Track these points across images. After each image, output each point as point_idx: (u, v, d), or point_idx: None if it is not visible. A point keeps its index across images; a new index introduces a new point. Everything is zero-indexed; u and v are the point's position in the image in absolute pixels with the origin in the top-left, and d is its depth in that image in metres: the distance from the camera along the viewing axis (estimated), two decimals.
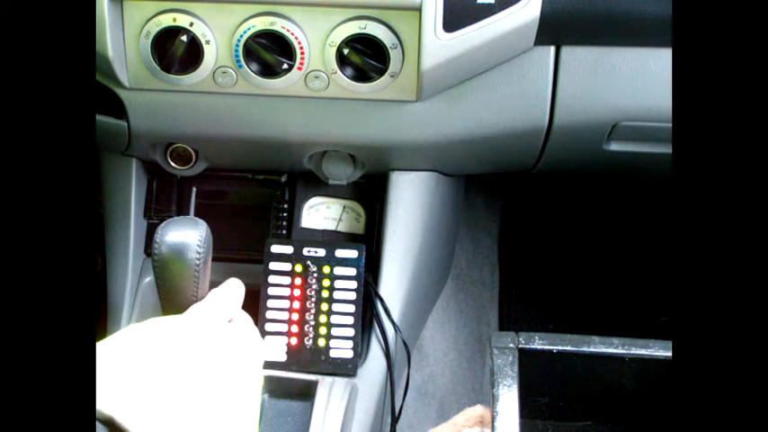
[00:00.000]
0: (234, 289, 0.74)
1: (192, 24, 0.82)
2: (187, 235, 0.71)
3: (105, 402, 0.54)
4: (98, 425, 0.54)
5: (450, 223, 1.23)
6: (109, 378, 0.56)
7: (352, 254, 0.96)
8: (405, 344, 1.00)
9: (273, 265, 0.96)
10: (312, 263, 0.96)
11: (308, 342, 0.95)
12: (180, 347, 0.62)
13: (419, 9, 0.78)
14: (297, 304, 0.95)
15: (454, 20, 0.78)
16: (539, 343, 0.89)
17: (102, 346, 0.59)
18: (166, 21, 0.82)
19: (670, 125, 0.87)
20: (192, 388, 0.59)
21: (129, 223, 1.03)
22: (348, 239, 1.05)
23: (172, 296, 0.71)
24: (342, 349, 0.95)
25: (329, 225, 1.06)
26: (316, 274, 0.96)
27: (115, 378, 0.57)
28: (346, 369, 0.94)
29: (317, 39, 0.82)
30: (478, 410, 1.04)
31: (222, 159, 1.00)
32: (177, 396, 0.58)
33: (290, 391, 0.91)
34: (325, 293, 0.95)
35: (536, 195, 1.47)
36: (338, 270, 0.96)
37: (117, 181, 1.02)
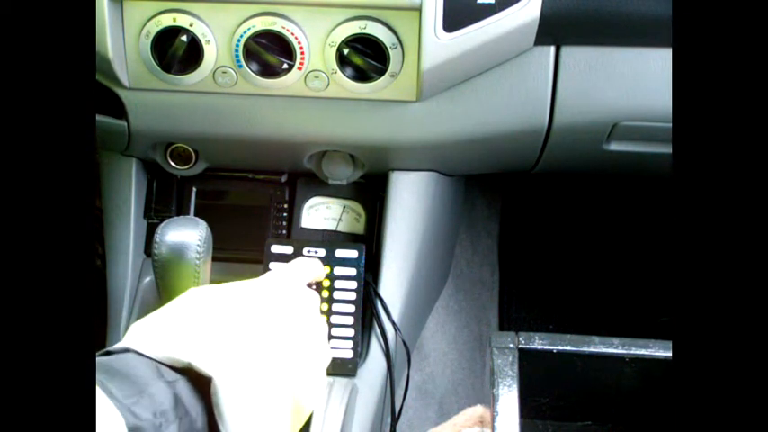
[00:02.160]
0: (315, 264, 0.80)
1: (192, 24, 0.82)
2: (187, 235, 0.71)
3: (183, 349, 0.56)
4: (176, 375, 0.56)
5: (450, 223, 1.23)
6: (186, 326, 0.58)
7: (352, 254, 0.96)
8: (405, 344, 1.00)
9: (273, 266, 0.96)
10: None
11: None
12: (257, 300, 0.65)
13: (419, 9, 0.78)
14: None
15: (454, 20, 0.78)
16: (539, 343, 0.89)
17: (160, 311, 0.61)
18: (166, 21, 0.82)
19: (670, 125, 0.87)
20: (267, 338, 0.61)
21: (129, 223, 1.02)
22: (348, 239, 1.05)
23: (172, 296, 0.71)
24: (342, 349, 0.95)
25: (329, 225, 1.06)
26: None
27: (192, 326, 0.59)
28: (346, 369, 0.94)
29: (317, 39, 0.82)
30: (478, 410, 1.04)
31: (222, 159, 1.00)
32: (252, 344, 0.60)
33: None
34: (324, 293, 0.95)
35: (536, 195, 1.47)
36: (338, 270, 0.96)
37: (117, 181, 1.02)
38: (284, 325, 0.64)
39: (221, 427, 0.56)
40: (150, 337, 0.58)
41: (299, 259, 0.80)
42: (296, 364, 0.63)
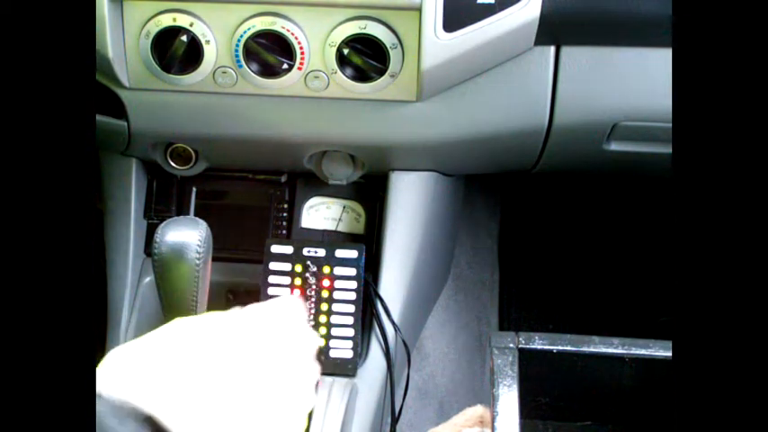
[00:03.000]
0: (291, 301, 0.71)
1: (192, 24, 0.82)
2: (187, 235, 0.71)
3: (144, 400, 0.53)
4: (137, 424, 0.52)
5: (450, 223, 1.23)
6: (147, 375, 0.55)
7: (352, 254, 0.96)
8: (405, 344, 1.00)
9: (273, 265, 0.96)
10: (312, 263, 0.96)
11: None
12: (222, 342, 0.60)
13: (419, 9, 0.78)
14: None
15: (454, 20, 0.78)
16: (539, 343, 0.89)
17: (140, 342, 0.58)
18: (166, 21, 0.82)
19: (670, 125, 0.87)
20: (236, 385, 0.58)
21: (129, 223, 1.03)
22: (348, 239, 1.05)
23: (172, 296, 0.71)
24: (342, 349, 0.95)
25: (329, 225, 1.06)
26: (315, 275, 0.96)
27: (153, 375, 0.55)
28: (346, 369, 0.94)
29: (317, 39, 0.82)
30: (478, 410, 1.04)
31: (222, 159, 1.00)
32: (219, 393, 0.56)
33: None
34: (324, 293, 0.95)
35: (536, 195, 1.47)
36: (338, 270, 0.96)
37: (117, 181, 1.02)
38: (263, 373, 0.60)
39: None
40: (120, 375, 0.55)
41: (298, 298, 0.73)
42: (271, 415, 0.59)
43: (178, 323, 0.61)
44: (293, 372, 0.63)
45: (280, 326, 0.64)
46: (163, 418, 0.52)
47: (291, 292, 0.96)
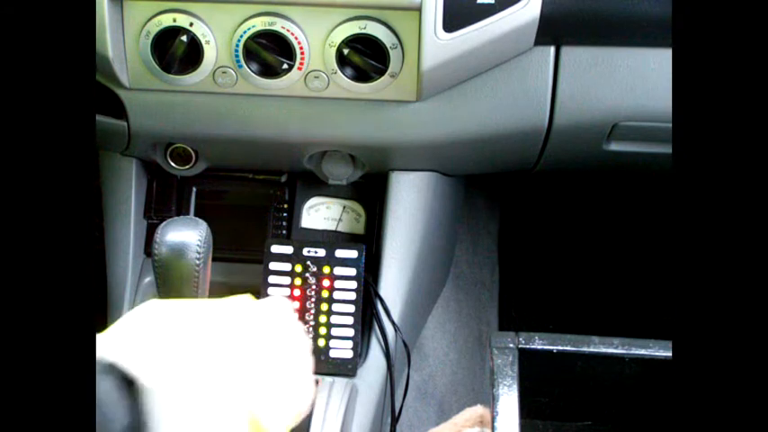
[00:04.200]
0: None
1: (192, 24, 0.82)
2: (187, 235, 0.71)
3: (108, 350, 0.51)
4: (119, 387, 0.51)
5: (450, 223, 1.23)
6: (122, 331, 0.54)
7: (352, 254, 0.96)
8: (405, 344, 1.00)
9: (273, 266, 0.96)
10: (312, 263, 0.96)
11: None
12: (219, 311, 0.60)
13: (419, 9, 0.78)
14: (296, 304, 0.95)
15: (454, 20, 0.78)
16: (539, 343, 0.89)
17: (134, 310, 0.57)
18: (166, 21, 0.82)
19: (670, 125, 0.87)
20: (215, 347, 0.56)
21: (129, 223, 1.03)
22: (348, 239, 1.05)
23: (172, 296, 0.71)
24: (341, 349, 0.95)
25: (329, 225, 1.06)
26: (315, 275, 0.96)
27: (128, 331, 0.54)
28: (346, 369, 0.94)
29: (316, 39, 0.82)
30: (478, 410, 1.04)
31: (222, 159, 1.00)
32: (192, 349, 0.55)
33: None
34: (324, 293, 0.95)
35: (536, 195, 1.47)
36: (338, 270, 0.96)
37: (117, 181, 1.02)
38: (246, 339, 0.58)
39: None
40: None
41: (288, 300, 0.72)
42: (254, 377, 0.57)
43: (151, 303, 0.59)
44: (283, 346, 0.61)
45: (272, 316, 0.63)
46: (125, 363, 0.50)
47: (291, 292, 0.96)
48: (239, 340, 0.58)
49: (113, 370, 0.51)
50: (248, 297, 0.65)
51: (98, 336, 0.54)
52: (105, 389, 0.50)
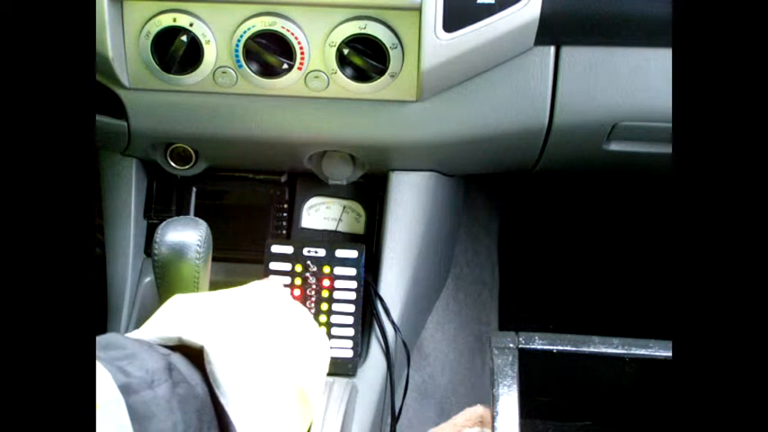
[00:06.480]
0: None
1: (192, 24, 0.82)
2: (187, 235, 0.71)
3: (172, 328, 0.57)
4: (167, 350, 0.55)
5: (450, 223, 1.23)
6: (174, 313, 0.60)
7: (352, 254, 0.96)
8: (404, 344, 1.00)
9: (273, 265, 0.96)
10: (312, 263, 0.96)
11: None
12: (250, 294, 0.67)
13: (419, 9, 0.78)
14: None
15: (454, 20, 0.78)
16: (539, 343, 0.90)
17: (166, 306, 0.63)
18: (166, 21, 0.82)
19: (670, 125, 0.87)
20: (263, 322, 0.62)
21: (129, 223, 1.02)
22: (348, 239, 1.05)
23: (172, 296, 0.71)
24: (342, 349, 0.95)
25: (329, 225, 1.06)
26: (316, 275, 0.96)
27: (181, 312, 0.60)
28: (346, 369, 0.94)
29: (317, 39, 0.82)
30: (478, 410, 1.04)
31: (222, 159, 1.00)
32: (246, 323, 0.61)
33: None
34: (325, 293, 0.95)
35: (536, 195, 1.47)
36: (338, 270, 0.96)
37: (117, 181, 1.02)
38: (281, 315, 0.65)
39: (221, 398, 0.54)
40: (137, 330, 0.59)
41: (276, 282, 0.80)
42: (296, 350, 0.63)
43: (179, 296, 0.65)
44: (306, 322, 0.69)
45: (284, 295, 0.72)
46: (190, 336, 0.56)
47: (291, 291, 0.96)
48: (275, 319, 0.64)
49: (181, 344, 0.56)
50: (257, 282, 0.72)
51: (147, 323, 0.61)
52: (178, 360, 0.55)
